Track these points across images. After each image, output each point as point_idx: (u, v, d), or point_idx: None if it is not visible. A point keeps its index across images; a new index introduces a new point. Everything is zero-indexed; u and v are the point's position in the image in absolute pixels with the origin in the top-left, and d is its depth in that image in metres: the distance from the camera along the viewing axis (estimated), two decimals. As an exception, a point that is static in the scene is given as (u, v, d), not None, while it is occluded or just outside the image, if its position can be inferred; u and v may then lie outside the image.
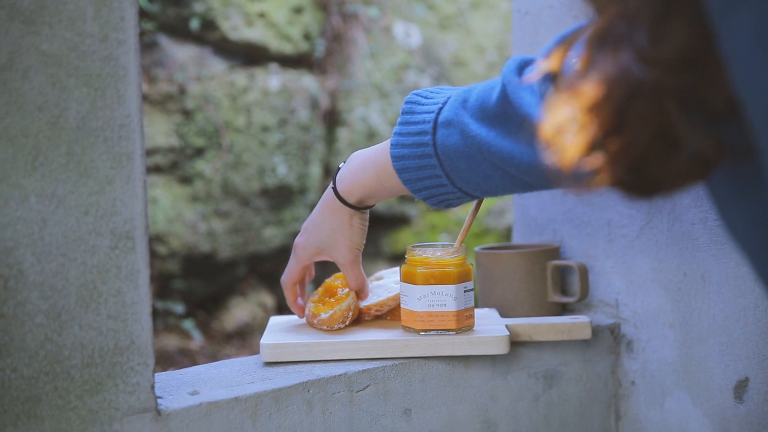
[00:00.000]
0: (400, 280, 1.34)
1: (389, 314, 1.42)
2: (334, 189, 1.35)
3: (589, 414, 1.46)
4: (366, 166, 1.32)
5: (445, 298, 1.29)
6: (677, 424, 1.43)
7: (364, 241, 1.39)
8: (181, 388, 1.16)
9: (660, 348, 1.45)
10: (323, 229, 1.37)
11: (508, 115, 1.19)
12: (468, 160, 1.23)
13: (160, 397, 1.12)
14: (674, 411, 1.43)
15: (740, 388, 1.35)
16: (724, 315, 1.35)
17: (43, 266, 0.98)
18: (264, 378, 1.21)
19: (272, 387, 1.17)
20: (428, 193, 1.29)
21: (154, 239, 3.84)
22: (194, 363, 3.85)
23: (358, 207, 1.34)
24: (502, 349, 1.30)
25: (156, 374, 1.13)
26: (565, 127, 0.65)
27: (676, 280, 1.41)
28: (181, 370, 1.27)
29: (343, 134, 4.35)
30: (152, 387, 1.07)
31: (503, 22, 4.74)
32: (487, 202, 4.37)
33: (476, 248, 1.52)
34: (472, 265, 1.34)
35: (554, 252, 1.49)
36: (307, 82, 4.26)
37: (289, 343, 1.29)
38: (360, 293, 1.40)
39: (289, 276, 1.41)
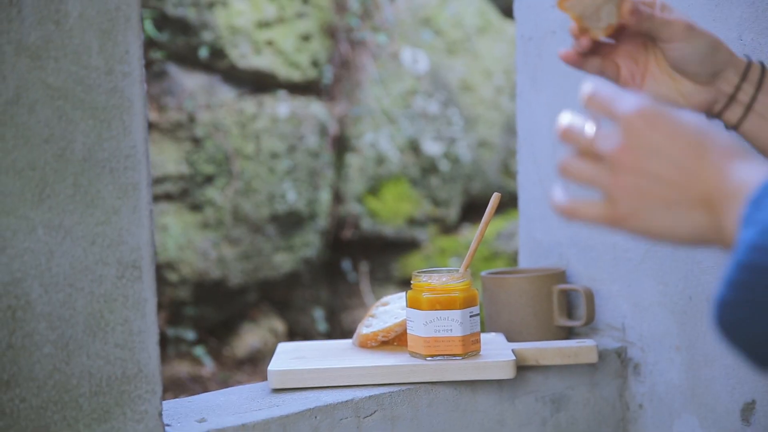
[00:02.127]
0: (406, 306, 1.34)
1: (396, 340, 1.42)
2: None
3: (597, 437, 1.46)
4: None
5: (450, 323, 1.30)
6: (685, 446, 1.43)
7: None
8: (189, 416, 1.17)
9: (667, 371, 1.45)
10: None
11: None
12: None
13: (168, 425, 1.12)
14: (682, 434, 1.43)
15: (747, 411, 1.35)
16: (730, 337, 1.35)
17: (50, 297, 0.99)
18: (271, 405, 1.22)
19: (279, 414, 1.18)
20: None
21: (165, 266, 3.85)
22: (205, 389, 3.85)
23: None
24: (508, 373, 1.31)
25: (164, 402, 1.14)
26: None
27: (682, 303, 1.41)
28: (189, 397, 1.28)
29: (352, 160, 4.37)
30: (160, 414, 1.08)
31: (510, 47, 4.76)
32: (493, 226, 4.37)
33: (482, 273, 1.53)
34: (477, 290, 1.35)
35: (560, 276, 1.49)
36: (315, 108, 4.28)
37: (297, 369, 1.29)
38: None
39: None
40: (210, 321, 4.08)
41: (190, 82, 3.99)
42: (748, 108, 1.08)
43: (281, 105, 4.17)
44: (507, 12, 4.87)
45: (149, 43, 3.85)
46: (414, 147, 4.50)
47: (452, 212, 4.60)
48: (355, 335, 1.44)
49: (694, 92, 1.09)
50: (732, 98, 1.08)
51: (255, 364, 4.15)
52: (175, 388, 3.82)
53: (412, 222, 4.46)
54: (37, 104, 0.98)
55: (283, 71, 4.20)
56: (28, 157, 0.98)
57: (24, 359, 0.98)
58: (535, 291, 1.46)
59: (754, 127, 1.09)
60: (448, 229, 4.61)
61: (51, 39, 0.98)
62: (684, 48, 1.06)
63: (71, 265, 1.01)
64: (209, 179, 3.97)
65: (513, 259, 4.29)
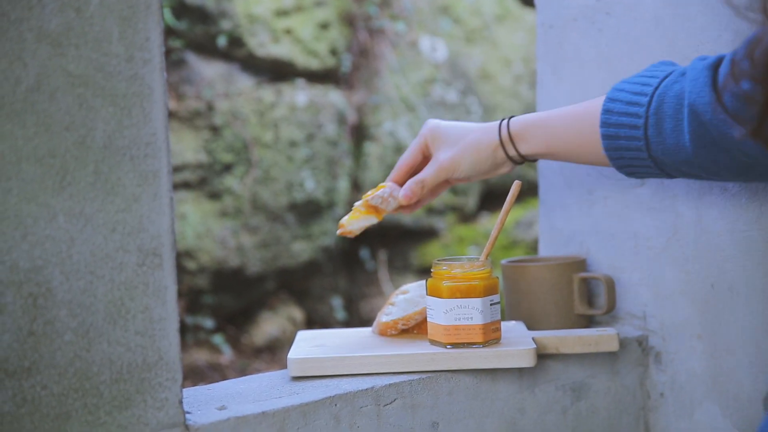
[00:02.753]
0: (426, 294, 1.34)
1: (416, 328, 1.42)
2: (508, 128, 1.38)
3: (617, 426, 1.46)
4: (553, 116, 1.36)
5: (471, 312, 1.29)
6: (707, 436, 1.42)
7: (472, 176, 1.43)
8: (209, 403, 1.17)
9: (688, 360, 1.44)
10: (461, 130, 1.42)
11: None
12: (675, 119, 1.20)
13: (188, 412, 1.13)
14: (704, 422, 1.43)
15: (770, 400, 1.34)
16: (753, 326, 1.34)
17: (71, 284, 1.00)
18: (291, 393, 1.22)
19: (299, 401, 1.18)
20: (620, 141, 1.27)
21: (184, 255, 3.86)
22: (224, 378, 3.86)
23: (514, 159, 1.40)
24: (529, 361, 1.30)
25: (184, 389, 1.14)
26: None
27: (704, 292, 1.41)
28: (209, 385, 1.28)
29: (370, 149, 4.36)
30: (180, 402, 1.08)
31: (529, 35, 4.74)
32: (513, 214, 4.36)
33: (502, 261, 1.53)
34: (498, 278, 1.34)
35: (581, 264, 1.49)
36: (334, 97, 4.27)
37: (317, 357, 1.29)
38: (404, 200, 1.42)
39: (403, 156, 1.46)
40: (228, 309, 4.09)
41: (208, 70, 3.99)
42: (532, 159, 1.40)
43: (300, 93, 4.16)
44: (526, 0, 4.85)
45: (168, 32, 3.85)
46: (433, 135, 4.49)
47: (471, 201, 4.59)
48: (374, 323, 1.44)
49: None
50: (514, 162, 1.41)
51: (273, 352, 4.16)
52: (193, 376, 3.83)
53: (431, 211, 4.46)
54: (57, 91, 0.98)
55: (302, 60, 4.19)
56: (48, 145, 0.98)
57: (45, 346, 0.98)
58: (555, 279, 1.46)
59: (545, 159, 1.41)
60: (466, 217, 4.60)
61: (72, 26, 0.98)
62: (469, 178, 1.44)
63: (92, 252, 1.01)
64: (228, 168, 3.97)
65: (532, 247, 4.28)
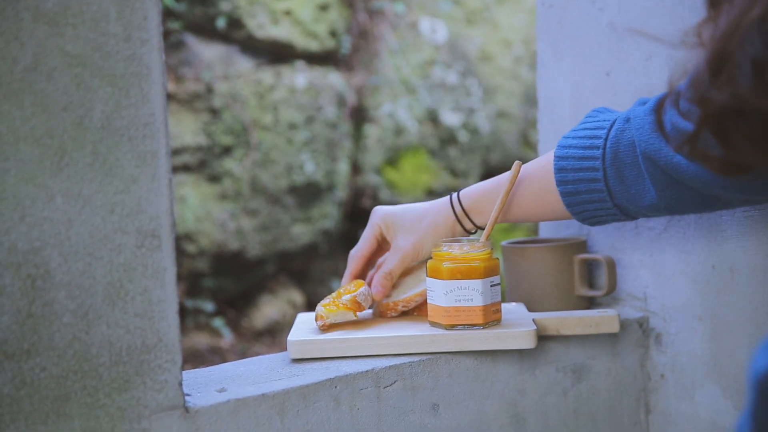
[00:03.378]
0: (427, 275, 1.33)
1: (416, 310, 1.42)
2: (460, 204, 1.39)
3: (618, 408, 1.46)
4: (499, 181, 1.37)
5: (471, 293, 1.29)
6: (708, 417, 1.42)
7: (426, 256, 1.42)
8: (209, 386, 1.17)
9: (689, 341, 1.44)
10: (414, 214, 1.41)
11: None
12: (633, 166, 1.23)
13: (188, 395, 1.12)
14: (705, 404, 1.42)
15: (771, 381, 1.34)
16: (754, 307, 1.34)
17: (70, 266, 0.99)
18: (291, 375, 1.22)
19: (299, 384, 1.18)
20: (580, 196, 1.29)
21: (184, 238, 3.86)
22: (224, 361, 3.87)
23: (468, 229, 1.40)
24: (529, 343, 1.30)
25: (184, 372, 1.14)
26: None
27: (705, 273, 1.40)
28: (209, 367, 1.27)
29: (370, 131, 4.35)
30: (180, 384, 1.08)
31: (529, 16, 4.72)
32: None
33: (503, 242, 1.52)
34: (498, 259, 1.34)
35: (581, 246, 1.48)
36: (333, 79, 4.26)
37: (316, 339, 1.29)
38: (375, 294, 1.41)
39: (357, 248, 1.45)
40: (228, 292, 4.09)
41: (207, 52, 3.97)
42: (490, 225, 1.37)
43: (299, 75, 4.15)
44: (526, -19, 4.83)
45: (167, 14, 3.84)
46: (432, 118, 4.48)
47: (471, 183, 4.58)
48: (375, 305, 1.44)
49: None
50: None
51: (273, 335, 4.16)
52: (193, 359, 3.83)
53: (431, 193, 4.45)
54: (55, 71, 0.97)
55: (301, 41, 4.18)
56: (46, 125, 0.97)
57: (44, 328, 0.98)
58: (556, 260, 1.45)
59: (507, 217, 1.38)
60: (466, 200, 4.59)
61: (69, 5, 0.97)
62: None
63: (90, 233, 1.00)
64: (227, 150, 3.96)
65: (532, 229, 4.28)
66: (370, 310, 1.45)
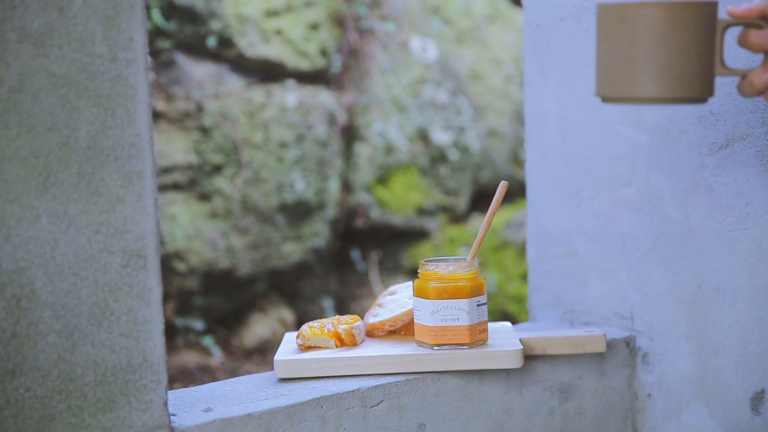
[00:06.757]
0: (413, 295, 1.34)
1: (403, 329, 1.42)
2: None
3: (605, 427, 1.46)
4: None
5: (458, 313, 1.29)
6: (694, 436, 1.42)
7: None
8: (195, 405, 1.17)
9: (676, 360, 1.44)
10: None
11: None
12: None
13: (173, 414, 1.12)
14: (691, 423, 1.43)
15: (757, 400, 1.34)
16: (740, 327, 1.34)
17: (55, 286, 0.99)
18: (278, 394, 1.22)
19: (286, 403, 1.17)
20: None
21: (173, 256, 3.85)
22: (214, 379, 3.85)
23: None
24: (516, 363, 1.30)
25: (169, 391, 1.13)
26: None
27: (691, 292, 1.41)
28: (195, 387, 1.27)
29: (361, 149, 4.36)
30: (165, 404, 1.07)
31: (519, 35, 4.74)
32: (502, 215, 4.36)
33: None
34: (484, 279, 1.34)
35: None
36: (324, 98, 4.27)
37: (303, 358, 1.29)
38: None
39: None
40: (218, 311, 4.08)
41: (198, 71, 3.98)
42: None
43: (290, 94, 4.16)
44: (516, 0, 4.85)
45: (157, 32, 3.84)
46: (423, 136, 4.49)
47: (462, 201, 4.58)
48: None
49: None
50: None
51: (264, 354, 4.15)
52: (183, 378, 3.82)
53: (422, 211, 4.45)
54: (40, 92, 0.97)
55: (292, 60, 4.19)
56: (32, 145, 0.97)
57: (28, 348, 0.98)
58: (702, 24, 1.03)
59: None
60: (457, 218, 4.60)
61: (54, 26, 0.98)
62: None
63: (75, 253, 1.00)
64: (217, 169, 3.96)
65: (522, 248, 4.29)
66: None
